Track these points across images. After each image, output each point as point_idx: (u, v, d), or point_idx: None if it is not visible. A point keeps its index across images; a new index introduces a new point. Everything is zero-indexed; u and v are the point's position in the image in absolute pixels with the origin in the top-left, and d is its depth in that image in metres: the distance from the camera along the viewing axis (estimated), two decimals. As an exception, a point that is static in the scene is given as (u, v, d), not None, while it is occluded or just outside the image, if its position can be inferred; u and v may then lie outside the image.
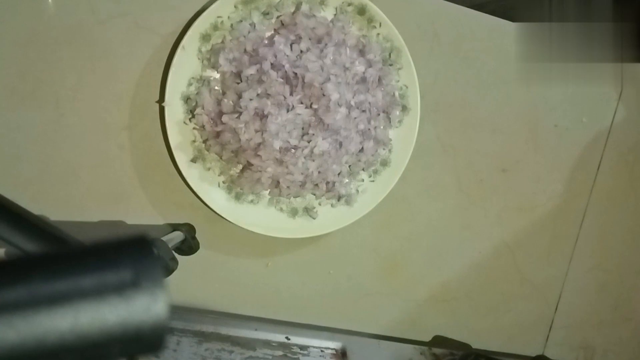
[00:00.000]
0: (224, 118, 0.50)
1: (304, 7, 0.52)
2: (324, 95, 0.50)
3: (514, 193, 0.59)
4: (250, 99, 0.50)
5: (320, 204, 0.55)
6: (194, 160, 0.52)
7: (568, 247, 0.60)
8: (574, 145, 0.59)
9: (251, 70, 0.50)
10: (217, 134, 0.51)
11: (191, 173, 0.52)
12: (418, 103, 0.55)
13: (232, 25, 0.51)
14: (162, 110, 0.51)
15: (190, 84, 0.51)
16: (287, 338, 0.56)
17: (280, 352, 0.54)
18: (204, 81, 0.51)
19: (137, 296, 0.21)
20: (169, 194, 0.54)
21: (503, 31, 0.58)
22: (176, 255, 0.48)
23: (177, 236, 0.51)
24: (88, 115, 0.52)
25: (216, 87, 0.51)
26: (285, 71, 0.50)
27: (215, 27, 0.51)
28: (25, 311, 0.19)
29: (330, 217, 0.54)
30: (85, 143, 0.53)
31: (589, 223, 0.60)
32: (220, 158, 0.53)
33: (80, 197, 0.53)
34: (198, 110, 0.51)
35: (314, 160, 0.52)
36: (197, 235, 0.54)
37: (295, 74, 0.50)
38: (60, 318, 0.20)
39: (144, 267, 0.21)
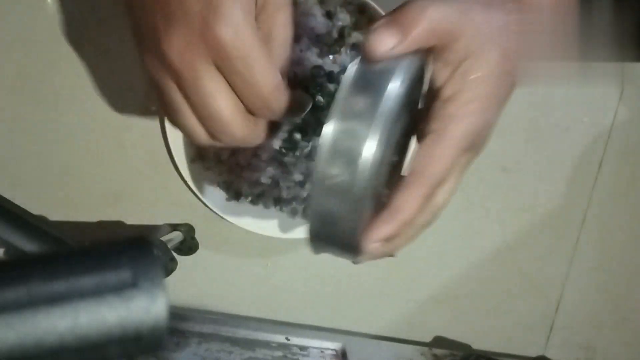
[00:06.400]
0: (224, 118, 0.50)
1: (304, 7, 0.51)
2: (324, 95, 0.50)
3: (514, 193, 0.59)
4: (250, 99, 0.50)
5: (320, 204, 0.54)
6: (193, 160, 0.52)
7: (569, 247, 0.60)
8: (574, 145, 0.59)
9: (251, 70, 0.50)
10: (217, 134, 0.51)
11: (190, 173, 0.52)
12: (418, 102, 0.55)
13: (232, 24, 0.51)
14: (161, 110, 0.51)
15: (190, 84, 0.51)
16: (286, 339, 0.55)
17: (280, 353, 0.54)
18: (203, 81, 0.51)
19: (136, 296, 0.21)
20: (168, 194, 0.54)
21: (503, 31, 0.58)
22: (175, 255, 0.48)
23: (176, 236, 0.51)
24: (88, 115, 0.52)
25: (216, 87, 0.51)
26: (285, 71, 0.50)
27: (215, 27, 0.50)
28: (24, 311, 0.19)
29: (330, 217, 0.54)
30: (85, 143, 0.53)
31: (590, 223, 0.60)
32: (220, 158, 0.53)
33: (79, 197, 0.53)
34: (198, 110, 0.51)
35: (314, 160, 0.52)
36: (196, 236, 0.54)
37: (295, 73, 0.50)
38: (59, 318, 0.20)
39: (143, 268, 0.21)
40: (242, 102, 0.31)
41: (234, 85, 0.30)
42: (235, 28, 0.28)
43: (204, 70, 0.29)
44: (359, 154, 0.26)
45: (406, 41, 0.27)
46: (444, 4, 0.28)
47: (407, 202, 0.29)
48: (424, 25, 0.27)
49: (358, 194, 0.27)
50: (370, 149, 0.26)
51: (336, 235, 0.29)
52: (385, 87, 0.26)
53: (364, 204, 0.28)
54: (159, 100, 0.33)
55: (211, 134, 0.32)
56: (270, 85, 0.30)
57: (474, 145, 0.31)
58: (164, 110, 0.33)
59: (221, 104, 0.30)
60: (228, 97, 0.30)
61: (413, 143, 0.34)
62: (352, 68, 0.27)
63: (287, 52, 0.32)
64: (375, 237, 0.29)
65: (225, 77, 0.29)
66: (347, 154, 0.26)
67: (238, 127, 0.31)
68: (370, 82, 0.27)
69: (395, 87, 0.27)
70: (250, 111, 0.31)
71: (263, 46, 0.29)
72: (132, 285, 0.21)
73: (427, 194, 0.30)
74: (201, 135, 0.32)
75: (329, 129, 0.27)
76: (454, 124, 0.29)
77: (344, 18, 0.51)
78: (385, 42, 0.27)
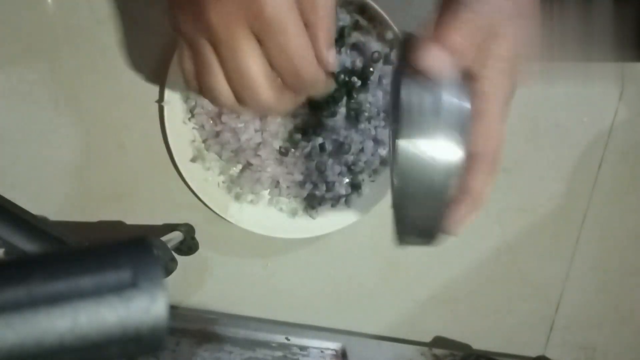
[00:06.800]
0: (224, 118, 0.50)
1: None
2: (324, 95, 0.50)
3: (514, 193, 0.59)
4: (250, 99, 0.50)
5: (320, 204, 0.54)
6: (193, 160, 0.52)
7: (569, 247, 0.60)
8: (574, 145, 0.59)
9: (251, 70, 0.50)
10: (217, 134, 0.51)
11: (190, 173, 0.52)
12: (418, 103, 0.55)
13: (232, 24, 0.51)
14: (161, 110, 0.51)
15: (190, 84, 0.51)
16: (287, 339, 0.55)
17: (280, 353, 0.54)
18: (203, 81, 0.51)
19: (136, 297, 0.21)
20: (168, 194, 0.54)
21: (503, 31, 0.58)
22: (175, 255, 0.48)
23: (176, 236, 0.51)
24: (88, 115, 0.52)
25: (216, 87, 0.51)
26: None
27: (215, 27, 0.51)
28: (24, 311, 0.19)
29: (330, 217, 0.54)
30: (84, 143, 0.53)
31: (590, 223, 0.60)
32: (220, 158, 0.53)
33: (79, 197, 0.53)
34: (197, 110, 0.51)
35: (314, 160, 0.52)
36: (196, 236, 0.54)
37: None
38: (59, 318, 0.20)
39: (143, 268, 0.21)
40: (273, 71, 0.33)
41: (269, 55, 0.32)
42: (279, 7, 0.30)
43: (243, 38, 0.31)
44: (438, 158, 0.30)
45: (454, 57, 0.31)
46: (473, 6, 0.31)
47: (482, 183, 0.33)
48: (466, 39, 0.31)
49: (443, 190, 0.31)
50: (446, 151, 0.30)
51: (426, 229, 0.33)
52: (440, 98, 0.30)
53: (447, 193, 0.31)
54: (185, 59, 0.34)
55: (237, 95, 0.34)
56: (301, 57, 0.32)
57: (510, 98, 0.34)
58: (198, 71, 0.34)
59: (253, 66, 0.32)
60: (260, 63, 0.32)
61: None
62: (405, 90, 0.30)
63: (333, 13, 0.35)
64: (463, 222, 0.34)
65: (262, 47, 0.32)
66: (428, 160, 0.30)
67: (264, 91, 0.33)
68: (426, 93, 0.30)
69: (448, 94, 0.30)
70: (282, 81, 0.34)
71: (301, 23, 0.32)
72: (132, 285, 0.20)
73: (494, 166, 0.33)
74: (227, 95, 0.34)
75: (405, 143, 0.30)
76: (492, 99, 0.32)
77: (344, 18, 0.51)
78: (439, 63, 0.30)
